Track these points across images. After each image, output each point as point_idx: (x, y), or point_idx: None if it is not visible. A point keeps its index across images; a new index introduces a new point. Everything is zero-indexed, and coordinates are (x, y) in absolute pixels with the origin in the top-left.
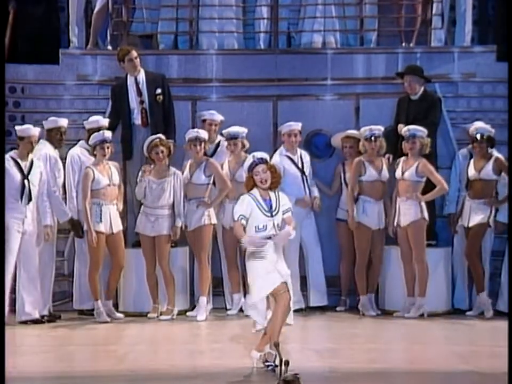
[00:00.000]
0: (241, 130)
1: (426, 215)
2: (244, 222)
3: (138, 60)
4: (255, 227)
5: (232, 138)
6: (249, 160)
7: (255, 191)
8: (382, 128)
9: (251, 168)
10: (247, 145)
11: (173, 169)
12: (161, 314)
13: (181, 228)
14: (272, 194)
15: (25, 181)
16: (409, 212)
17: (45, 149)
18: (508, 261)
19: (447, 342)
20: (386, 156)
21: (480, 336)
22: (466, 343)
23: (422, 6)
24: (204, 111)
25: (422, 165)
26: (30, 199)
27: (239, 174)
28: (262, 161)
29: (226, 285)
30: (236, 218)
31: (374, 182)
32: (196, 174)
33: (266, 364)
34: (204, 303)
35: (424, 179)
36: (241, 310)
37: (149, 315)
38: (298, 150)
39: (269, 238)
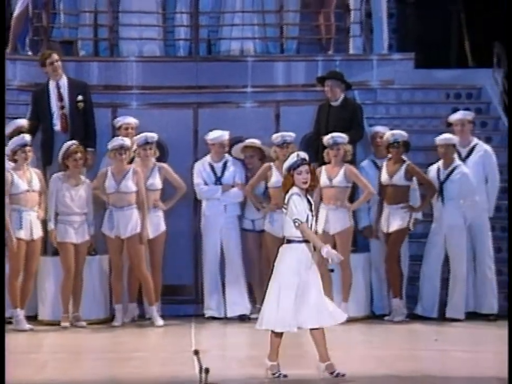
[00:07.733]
0: (152, 135)
1: (352, 221)
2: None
3: (59, 63)
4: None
5: (144, 144)
6: (292, 158)
7: (295, 189)
8: (293, 135)
9: (294, 167)
10: (158, 153)
11: (83, 177)
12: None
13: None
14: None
15: None
16: (339, 219)
17: None
18: (508, 260)
19: (366, 346)
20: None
21: (399, 340)
22: (385, 347)
23: (340, 14)
24: (118, 118)
25: (349, 170)
26: None
27: (150, 182)
28: (306, 161)
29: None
30: (302, 219)
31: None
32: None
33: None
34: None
35: (350, 184)
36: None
37: (62, 324)
38: (225, 158)
39: (305, 241)
